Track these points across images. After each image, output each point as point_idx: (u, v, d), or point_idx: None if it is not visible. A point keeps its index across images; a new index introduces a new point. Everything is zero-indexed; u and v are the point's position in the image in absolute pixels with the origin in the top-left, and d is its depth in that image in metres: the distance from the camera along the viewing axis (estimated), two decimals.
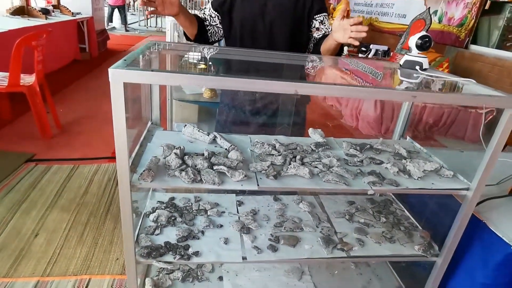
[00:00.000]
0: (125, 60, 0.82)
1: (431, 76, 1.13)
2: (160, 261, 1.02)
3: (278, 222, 1.26)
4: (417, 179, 1.07)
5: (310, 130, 1.31)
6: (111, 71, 0.74)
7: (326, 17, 1.49)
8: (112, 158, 2.74)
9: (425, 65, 1.17)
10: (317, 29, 1.48)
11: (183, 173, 0.93)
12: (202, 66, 1.46)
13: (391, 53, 5.21)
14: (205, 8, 1.52)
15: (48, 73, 4.39)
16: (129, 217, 0.94)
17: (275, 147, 1.16)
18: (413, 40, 1.18)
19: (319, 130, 1.32)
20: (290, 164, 1.05)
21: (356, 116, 4.19)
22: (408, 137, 1.42)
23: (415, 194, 1.42)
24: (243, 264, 1.38)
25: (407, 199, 1.46)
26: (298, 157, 1.09)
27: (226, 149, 1.11)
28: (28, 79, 2.84)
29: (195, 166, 0.98)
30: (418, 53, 1.20)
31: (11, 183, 2.30)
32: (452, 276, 1.19)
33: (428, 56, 4.38)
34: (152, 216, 1.20)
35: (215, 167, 0.97)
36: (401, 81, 1.15)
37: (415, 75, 1.16)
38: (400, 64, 1.23)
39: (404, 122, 1.41)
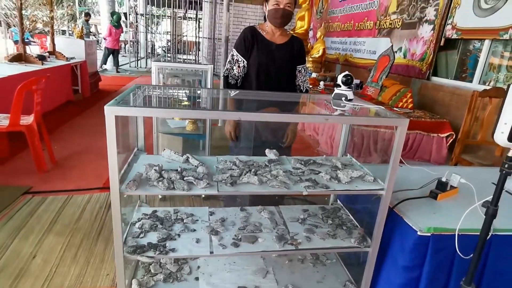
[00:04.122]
0: (116, 99, 1.14)
1: (353, 104, 1.48)
2: (143, 255, 1.28)
3: (242, 226, 1.53)
4: (345, 183, 1.38)
5: (267, 151, 1.63)
6: (107, 108, 1.06)
7: (304, 67, 2.16)
8: (104, 188, 2.99)
9: (350, 97, 1.53)
10: (295, 75, 2.15)
11: (160, 183, 1.22)
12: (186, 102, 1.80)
13: (364, 86, 5.72)
14: (232, 65, 2.09)
15: (44, 113, 4.70)
16: (118, 220, 1.21)
17: (235, 163, 1.47)
18: (339, 78, 1.54)
19: (274, 150, 1.63)
20: (245, 175, 1.35)
21: (330, 144, 4.55)
22: (348, 154, 1.74)
23: (359, 201, 1.71)
24: (216, 266, 1.64)
25: (352, 205, 1.76)
26: (252, 170, 1.40)
27: (195, 166, 1.41)
28: (27, 119, 3.14)
29: (170, 178, 1.27)
30: (346, 88, 1.56)
31: (10, 213, 2.52)
32: (381, 263, 1.47)
33: (393, 87, 4.90)
34: (137, 224, 1.47)
35: (185, 178, 1.27)
36: (330, 110, 1.49)
37: (342, 104, 1.50)
38: (332, 97, 1.58)
39: (344, 142, 1.74)
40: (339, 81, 1.55)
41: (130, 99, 1.27)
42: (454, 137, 4.21)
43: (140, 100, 1.37)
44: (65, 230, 2.37)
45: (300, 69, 2.13)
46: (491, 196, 1.15)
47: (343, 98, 1.52)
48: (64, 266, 2.04)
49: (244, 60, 2.06)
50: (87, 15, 11.50)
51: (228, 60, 2.14)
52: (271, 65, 2.05)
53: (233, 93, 1.82)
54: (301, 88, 2.15)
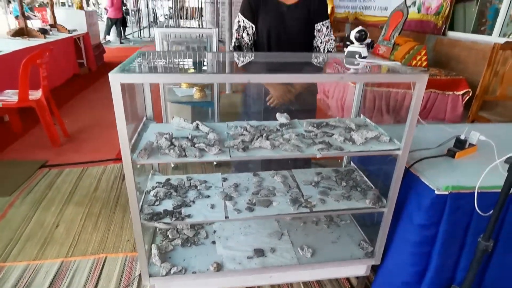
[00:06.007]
0: (120, 67, 1.10)
1: (368, 62, 1.41)
2: (160, 222, 1.30)
3: (255, 191, 1.53)
4: (359, 144, 1.35)
5: (278, 115, 1.59)
6: (111, 75, 1.02)
7: (326, 25, 1.89)
8: (117, 159, 3.03)
9: (364, 54, 1.45)
10: (314, 36, 1.93)
11: (172, 150, 1.21)
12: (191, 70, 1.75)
13: (374, 45, 5.50)
14: (241, 33, 1.91)
15: (52, 89, 4.70)
16: (133, 189, 1.22)
17: (246, 128, 1.44)
18: (352, 34, 1.45)
19: (285, 114, 1.59)
20: (257, 140, 1.32)
21: (341, 107, 4.46)
22: (362, 115, 1.69)
23: (373, 162, 1.69)
24: (232, 230, 1.67)
25: (366, 167, 1.73)
26: (264, 135, 1.37)
27: (206, 132, 1.39)
28: (35, 94, 3.14)
29: (181, 145, 1.25)
30: (359, 44, 1.48)
31: (30, 186, 2.59)
32: (397, 222, 1.46)
33: (406, 45, 4.67)
34: (152, 193, 1.48)
35: (196, 145, 1.25)
36: (343, 68, 1.42)
37: (355, 62, 1.43)
38: (344, 55, 1.50)
39: (358, 103, 1.68)
40: (352, 38, 1.46)
41: (135, 66, 1.23)
42: (470, 94, 4.06)
43: (145, 67, 1.33)
44: (83, 200, 2.43)
45: (319, 27, 1.88)
46: None
47: (356, 56, 1.44)
48: (86, 233, 2.11)
49: (253, 26, 1.88)
50: None
51: (235, 29, 1.92)
52: (282, 31, 1.85)
53: (238, 55, 1.73)
54: (321, 50, 1.91)
